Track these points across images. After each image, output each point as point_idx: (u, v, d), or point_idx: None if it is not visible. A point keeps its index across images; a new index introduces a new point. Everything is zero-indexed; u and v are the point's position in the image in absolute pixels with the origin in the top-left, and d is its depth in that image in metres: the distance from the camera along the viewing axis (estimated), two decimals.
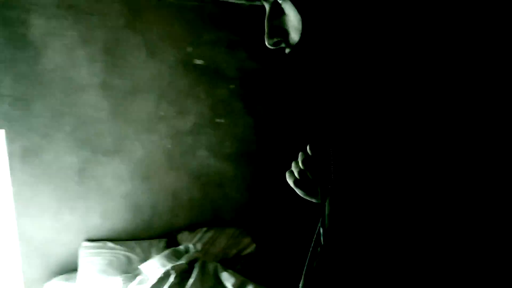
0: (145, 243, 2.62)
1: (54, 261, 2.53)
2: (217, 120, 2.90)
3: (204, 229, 2.77)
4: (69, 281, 2.41)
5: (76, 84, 2.49)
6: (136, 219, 2.74)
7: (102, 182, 2.62)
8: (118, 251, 2.50)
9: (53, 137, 2.45)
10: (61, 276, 2.49)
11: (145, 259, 2.43)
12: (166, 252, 2.45)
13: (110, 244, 2.55)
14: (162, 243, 2.66)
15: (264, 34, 0.62)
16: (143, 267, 2.33)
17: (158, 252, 2.51)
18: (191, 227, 2.80)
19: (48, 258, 2.46)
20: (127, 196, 2.70)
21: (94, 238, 2.61)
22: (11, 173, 2.36)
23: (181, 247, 2.54)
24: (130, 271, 2.34)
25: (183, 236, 2.72)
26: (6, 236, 2.47)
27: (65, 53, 2.42)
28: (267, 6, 0.63)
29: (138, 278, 2.21)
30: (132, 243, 2.60)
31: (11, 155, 2.35)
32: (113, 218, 2.68)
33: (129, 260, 2.44)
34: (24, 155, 2.38)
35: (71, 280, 2.40)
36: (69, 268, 2.55)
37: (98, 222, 2.64)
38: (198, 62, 2.78)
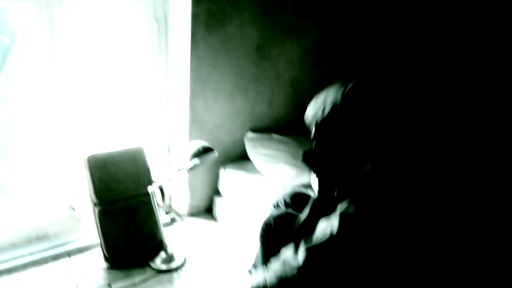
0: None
1: (221, 148, 2.40)
2: None
3: None
4: (237, 169, 2.37)
5: None
6: (297, 111, 2.66)
7: (276, 64, 2.44)
8: (284, 144, 2.40)
9: (239, 3, 2.14)
10: (230, 164, 2.44)
11: None
12: None
13: (276, 136, 2.47)
14: None
15: None
16: None
17: None
18: None
19: (216, 144, 2.22)
20: (295, 83, 2.58)
21: (258, 126, 2.53)
22: (192, 41, 2.04)
23: None
24: (298, 164, 2.21)
25: None
26: (178, 117, 2.29)
27: None
28: None
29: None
30: (293, 136, 2.51)
31: (195, 17, 1.99)
32: (279, 107, 2.58)
33: (295, 155, 2.29)
34: (208, 21, 2.05)
35: (240, 169, 2.38)
36: (235, 157, 2.51)
37: (265, 110, 2.51)
38: None
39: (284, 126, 2.65)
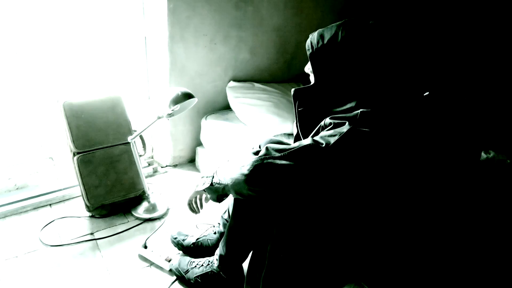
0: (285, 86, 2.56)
1: (203, 97, 2.33)
2: None
3: None
4: (219, 119, 2.33)
5: None
6: (279, 59, 2.57)
7: (259, 8, 2.30)
8: (267, 93, 2.38)
9: None
10: (211, 114, 2.39)
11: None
12: None
13: (258, 85, 2.43)
14: (301, 86, 2.66)
15: None
16: None
17: None
18: None
19: (198, 94, 2.10)
20: (279, 30, 2.46)
21: (240, 75, 2.45)
22: None
23: None
24: (280, 113, 2.22)
25: None
26: (157, 63, 2.18)
27: None
28: None
29: None
30: (275, 85, 2.50)
31: None
32: (262, 54, 2.47)
33: (277, 104, 2.29)
34: None
35: (222, 118, 2.34)
36: (217, 107, 2.45)
37: (247, 58, 2.41)
38: None
39: (267, 75, 2.58)
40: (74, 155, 1.90)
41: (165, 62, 2.13)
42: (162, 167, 2.49)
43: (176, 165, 2.52)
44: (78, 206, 2.01)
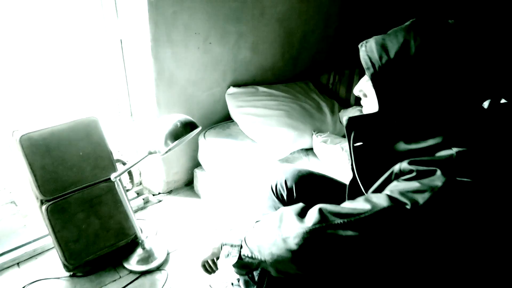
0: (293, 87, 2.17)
1: (198, 110, 1.91)
2: None
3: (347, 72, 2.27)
4: (220, 136, 1.91)
5: None
6: (285, 55, 2.15)
7: None
8: (275, 98, 1.98)
9: None
10: (211, 130, 1.96)
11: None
12: None
13: (263, 88, 2.03)
14: (310, 85, 2.27)
15: None
16: None
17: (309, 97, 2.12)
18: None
19: (192, 106, 1.85)
20: (283, 20, 2.02)
21: (240, 79, 2.03)
22: None
23: None
24: (295, 125, 1.85)
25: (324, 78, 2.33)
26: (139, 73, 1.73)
27: None
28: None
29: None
30: (281, 86, 2.10)
31: None
32: (265, 51, 2.03)
33: (290, 113, 1.90)
34: None
35: (223, 134, 1.92)
36: (217, 119, 2.04)
37: (248, 56, 1.97)
38: None
39: (270, 74, 2.16)
40: (42, 203, 1.46)
41: (149, 70, 1.69)
42: (154, 195, 2.07)
43: (171, 191, 2.10)
44: (54, 262, 1.59)
